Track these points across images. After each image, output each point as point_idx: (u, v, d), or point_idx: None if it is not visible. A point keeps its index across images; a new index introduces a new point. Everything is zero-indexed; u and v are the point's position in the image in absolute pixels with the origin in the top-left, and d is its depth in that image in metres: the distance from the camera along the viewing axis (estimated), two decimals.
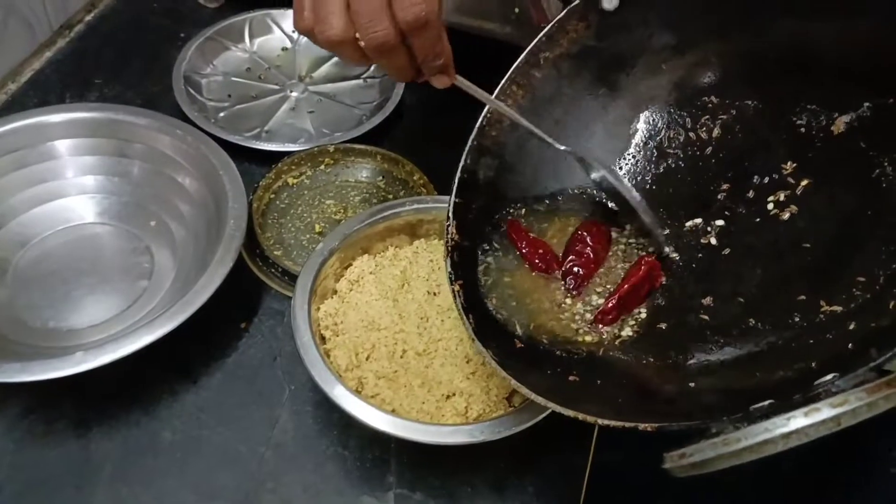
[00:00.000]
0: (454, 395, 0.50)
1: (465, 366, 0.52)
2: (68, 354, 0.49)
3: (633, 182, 0.55)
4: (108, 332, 0.56)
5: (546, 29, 0.54)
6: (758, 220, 0.49)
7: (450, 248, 0.51)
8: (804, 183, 0.47)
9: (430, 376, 0.51)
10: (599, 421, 0.40)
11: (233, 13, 0.82)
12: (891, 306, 0.38)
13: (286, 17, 0.83)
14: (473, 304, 0.50)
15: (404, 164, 0.70)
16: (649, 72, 0.55)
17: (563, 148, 0.52)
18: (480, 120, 0.55)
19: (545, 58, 0.55)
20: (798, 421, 0.32)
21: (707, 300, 0.48)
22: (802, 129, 0.48)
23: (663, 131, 0.54)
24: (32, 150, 0.61)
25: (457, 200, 0.52)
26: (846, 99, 0.46)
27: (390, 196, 0.69)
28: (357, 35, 0.43)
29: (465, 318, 0.48)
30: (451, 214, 0.52)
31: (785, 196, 0.48)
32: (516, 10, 0.76)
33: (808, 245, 0.46)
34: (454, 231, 0.51)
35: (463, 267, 0.51)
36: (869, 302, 0.40)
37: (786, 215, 0.47)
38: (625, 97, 0.56)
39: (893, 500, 0.63)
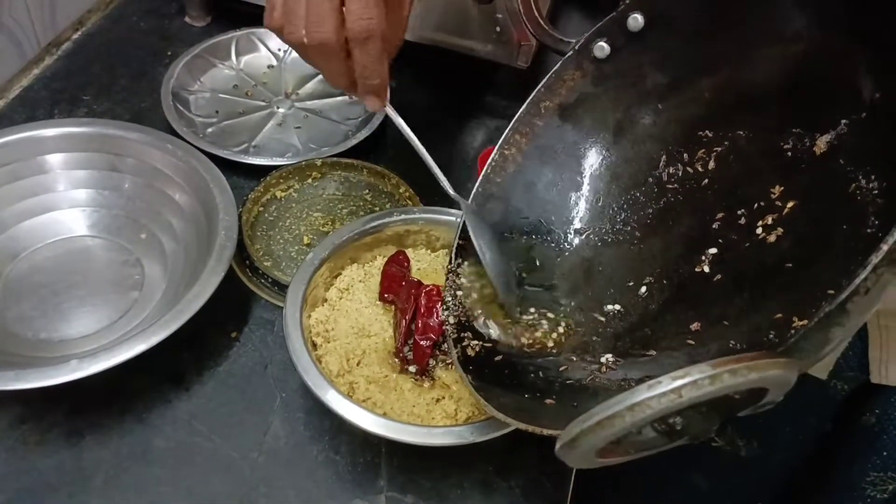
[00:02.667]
0: (444, 398, 0.52)
1: (453, 370, 0.53)
2: (63, 363, 0.50)
3: (636, 217, 0.56)
4: (99, 342, 0.57)
5: (545, 80, 0.57)
6: (748, 245, 0.50)
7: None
8: (790, 205, 0.49)
9: (420, 380, 0.52)
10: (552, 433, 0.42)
11: (219, 32, 0.84)
12: (847, 307, 0.38)
13: (271, 36, 0.85)
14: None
15: (390, 178, 0.71)
16: (646, 112, 0.57)
17: (451, 191, 0.56)
18: (486, 168, 0.58)
19: (545, 106, 0.57)
20: (641, 393, 0.32)
21: (695, 325, 0.49)
22: (789, 154, 0.49)
23: (663, 167, 0.56)
24: (24, 164, 0.62)
25: (460, 242, 0.56)
26: (826, 118, 0.48)
27: (377, 208, 0.70)
28: (303, 33, 0.48)
29: (451, 342, 0.51)
30: (453, 254, 0.56)
31: (773, 219, 0.49)
32: (497, 28, 0.79)
33: (790, 265, 0.47)
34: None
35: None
36: (833, 311, 0.42)
37: (772, 237, 0.48)
38: (625, 138, 0.57)
39: None
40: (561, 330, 0.53)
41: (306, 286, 0.55)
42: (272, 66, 0.84)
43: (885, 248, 0.33)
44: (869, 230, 0.43)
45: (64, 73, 0.80)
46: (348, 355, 0.53)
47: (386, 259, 0.60)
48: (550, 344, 0.52)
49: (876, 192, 0.44)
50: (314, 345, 0.54)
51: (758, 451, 0.72)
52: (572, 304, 0.55)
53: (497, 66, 0.81)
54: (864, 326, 0.60)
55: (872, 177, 0.44)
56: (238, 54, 0.83)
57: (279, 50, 0.85)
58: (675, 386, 0.31)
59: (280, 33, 0.50)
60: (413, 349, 0.54)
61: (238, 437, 0.55)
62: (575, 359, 0.52)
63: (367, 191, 0.72)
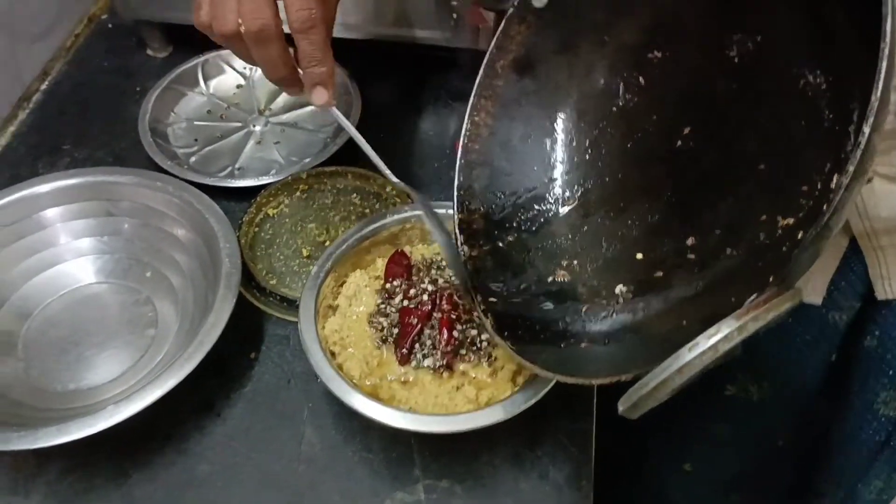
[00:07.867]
0: (463, 385, 0.55)
1: (467, 360, 0.56)
2: (99, 410, 0.52)
3: (604, 143, 0.58)
4: (128, 383, 0.59)
5: (493, 41, 0.58)
6: (718, 151, 0.51)
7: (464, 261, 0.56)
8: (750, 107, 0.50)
9: (439, 371, 0.55)
10: (600, 381, 0.45)
11: (182, 60, 0.84)
12: (824, 208, 0.39)
13: (236, 57, 0.85)
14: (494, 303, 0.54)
15: (375, 179, 0.73)
16: (595, 47, 0.58)
17: (395, 181, 0.60)
18: (462, 139, 0.59)
19: (501, 66, 0.59)
20: (684, 357, 0.36)
21: (690, 240, 0.51)
22: (735, 59, 0.50)
23: (622, 94, 0.57)
24: (24, 223, 0.64)
25: (459, 216, 0.57)
26: (760, 19, 0.48)
27: (367, 211, 0.73)
28: (240, 23, 0.48)
29: (484, 318, 0.53)
30: (456, 231, 0.57)
31: (737, 122, 0.51)
32: (454, 15, 0.80)
33: (762, 166, 0.48)
34: (464, 246, 0.56)
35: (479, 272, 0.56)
36: (812, 208, 0.43)
37: (743, 140, 0.50)
38: (580, 76, 0.59)
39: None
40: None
41: (316, 299, 0.57)
42: (241, 86, 0.85)
43: (851, 168, 0.35)
44: (826, 124, 0.44)
45: (39, 126, 0.81)
46: (367, 359, 0.56)
47: (386, 260, 0.62)
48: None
49: (824, 87, 0.45)
50: (332, 354, 0.56)
51: (769, 392, 0.74)
52: (574, 245, 0.58)
53: (459, 51, 0.83)
54: (855, 255, 0.63)
55: (818, 72, 0.45)
56: (205, 79, 0.85)
57: (245, 69, 0.86)
58: (711, 343, 0.36)
59: (209, 30, 0.50)
60: (400, 325, 0.57)
61: (276, 450, 0.57)
62: (592, 299, 0.54)
63: (355, 195, 0.74)
